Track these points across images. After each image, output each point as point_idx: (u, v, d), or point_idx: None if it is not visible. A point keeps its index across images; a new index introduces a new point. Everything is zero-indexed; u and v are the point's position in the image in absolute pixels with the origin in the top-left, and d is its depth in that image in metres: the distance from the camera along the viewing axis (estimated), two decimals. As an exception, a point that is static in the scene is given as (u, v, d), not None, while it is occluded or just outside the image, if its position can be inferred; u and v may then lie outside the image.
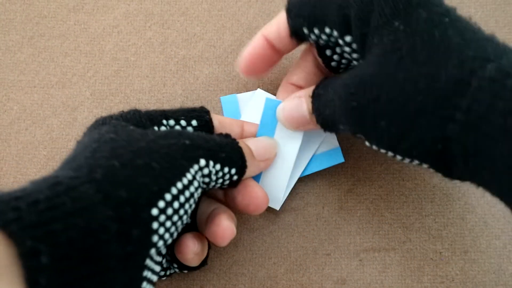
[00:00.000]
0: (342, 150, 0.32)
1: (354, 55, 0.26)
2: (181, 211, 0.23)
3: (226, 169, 0.26)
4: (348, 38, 0.25)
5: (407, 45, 0.22)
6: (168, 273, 0.28)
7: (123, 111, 0.27)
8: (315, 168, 0.32)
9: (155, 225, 0.21)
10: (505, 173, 0.19)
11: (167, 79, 0.35)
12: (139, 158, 0.22)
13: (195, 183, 0.24)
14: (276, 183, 0.31)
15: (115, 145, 0.22)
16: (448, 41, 0.21)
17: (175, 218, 0.22)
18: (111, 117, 0.26)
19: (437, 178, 0.32)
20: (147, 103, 0.34)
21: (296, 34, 0.27)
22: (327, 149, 0.32)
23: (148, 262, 0.21)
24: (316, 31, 0.26)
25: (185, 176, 0.23)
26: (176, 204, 0.22)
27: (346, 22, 0.24)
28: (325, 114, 0.26)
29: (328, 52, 0.28)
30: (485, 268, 0.31)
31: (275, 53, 0.29)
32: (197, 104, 0.34)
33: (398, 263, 0.31)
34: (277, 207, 0.31)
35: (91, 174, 0.20)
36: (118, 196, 0.20)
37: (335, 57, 0.28)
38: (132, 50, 0.35)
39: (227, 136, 0.27)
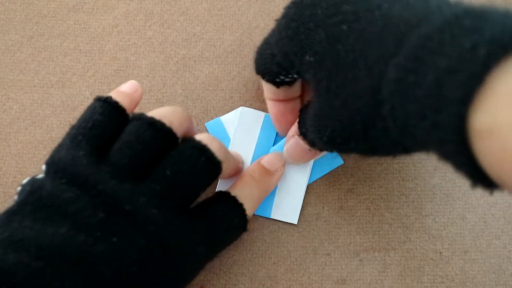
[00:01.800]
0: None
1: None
2: None
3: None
4: (290, 77, 0.27)
5: (322, 73, 0.22)
6: None
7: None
8: (318, 174, 0.32)
9: None
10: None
11: (167, 78, 0.34)
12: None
13: None
14: (291, 199, 0.32)
15: None
16: (351, 54, 0.21)
17: None
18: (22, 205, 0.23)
19: (437, 178, 0.32)
20: (147, 102, 0.34)
21: (273, 82, 0.29)
22: (325, 153, 0.32)
23: None
24: (268, 78, 0.29)
25: None
26: None
27: (281, 67, 0.26)
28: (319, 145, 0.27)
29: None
30: (485, 268, 0.31)
31: (289, 102, 0.30)
32: (197, 103, 0.34)
33: (398, 263, 0.31)
34: (295, 221, 0.31)
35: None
36: None
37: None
38: (132, 49, 0.35)
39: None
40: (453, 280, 0.31)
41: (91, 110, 0.26)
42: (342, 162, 0.32)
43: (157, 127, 0.25)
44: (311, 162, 0.32)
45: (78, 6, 0.36)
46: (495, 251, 0.31)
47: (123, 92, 0.28)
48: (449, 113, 0.16)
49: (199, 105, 0.34)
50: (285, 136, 0.31)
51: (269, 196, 0.31)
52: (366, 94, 0.20)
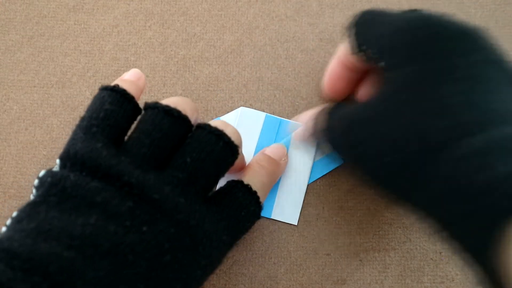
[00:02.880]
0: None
1: None
2: None
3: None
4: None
5: (409, 93, 0.22)
6: None
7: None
8: (318, 174, 0.32)
9: None
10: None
11: (167, 79, 0.35)
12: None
13: None
14: (292, 200, 0.32)
15: None
16: (446, 99, 0.21)
17: None
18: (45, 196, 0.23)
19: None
20: (147, 103, 0.34)
21: (359, 51, 0.28)
22: (325, 154, 0.32)
23: None
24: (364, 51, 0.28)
25: None
26: None
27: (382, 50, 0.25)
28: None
29: None
30: (485, 268, 0.31)
31: (352, 72, 0.30)
32: (197, 103, 0.34)
33: (398, 263, 0.31)
34: (295, 222, 0.32)
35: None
36: None
37: None
38: (132, 50, 0.35)
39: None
40: (453, 280, 0.31)
41: (99, 100, 0.26)
42: (343, 161, 0.32)
43: (174, 115, 0.25)
44: (311, 162, 0.32)
45: (78, 7, 0.36)
46: (495, 251, 0.31)
47: (128, 80, 0.28)
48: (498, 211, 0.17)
49: (199, 105, 0.34)
50: (330, 94, 0.32)
51: (269, 196, 0.31)
52: (442, 133, 0.20)
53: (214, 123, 0.26)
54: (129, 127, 0.26)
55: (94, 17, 0.36)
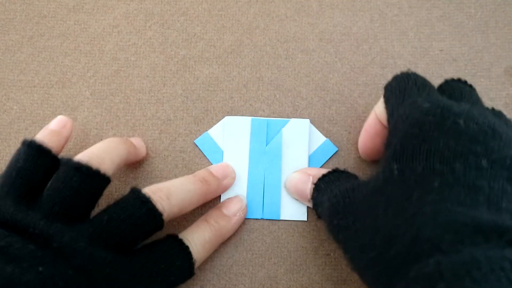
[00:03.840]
0: (342, 152, 0.32)
1: None
2: None
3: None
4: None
5: (387, 192, 0.22)
6: None
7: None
8: (316, 166, 0.33)
9: None
10: None
11: (167, 79, 0.35)
12: None
13: None
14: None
15: None
16: (419, 208, 0.20)
17: None
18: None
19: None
20: (147, 103, 0.34)
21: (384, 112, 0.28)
22: (318, 145, 0.33)
23: None
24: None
25: None
26: None
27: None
28: (318, 209, 0.29)
29: None
30: (485, 268, 0.31)
31: (384, 129, 0.29)
32: (197, 103, 0.34)
33: (398, 263, 0.31)
34: (305, 218, 0.32)
35: None
36: None
37: None
38: (132, 50, 0.35)
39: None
40: (453, 280, 0.31)
41: (16, 156, 0.27)
42: (336, 148, 0.33)
43: (83, 172, 0.26)
44: (307, 155, 0.32)
45: (78, 7, 0.36)
46: (495, 251, 0.31)
47: (51, 130, 0.29)
48: None
49: (199, 105, 0.34)
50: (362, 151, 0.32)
51: (274, 199, 0.32)
52: (395, 254, 0.20)
53: (146, 189, 0.27)
54: (47, 179, 0.27)
55: (94, 17, 0.36)
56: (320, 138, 0.33)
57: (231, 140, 0.33)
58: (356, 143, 0.33)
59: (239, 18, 0.36)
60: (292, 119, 0.33)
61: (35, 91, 0.34)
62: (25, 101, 0.34)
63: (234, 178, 0.32)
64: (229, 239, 0.31)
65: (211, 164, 0.33)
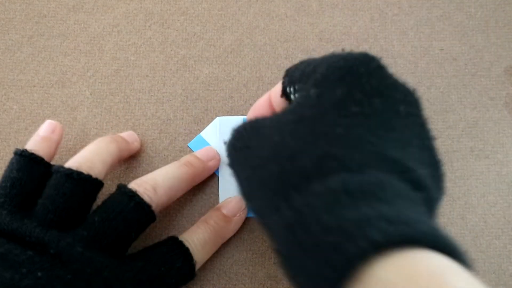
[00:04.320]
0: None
1: None
2: None
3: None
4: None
5: (299, 113, 0.21)
6: None
7: None
8: None
9: None
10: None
11: (167, 78, 0.34)
12: None
13: None
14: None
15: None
16: (331, 128, 0.20)
17: None
18: None
19: (437, 178, 0.32)
20: (147, 102, 0.34)
21: (285, 94, 0.27)
22: None
23: None
24: (292, 91, 0.26)
25: None
26: None
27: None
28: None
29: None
30: (485, 268, 0.31)
31: (272, 110, 0.29)
32: (197, 103, 0.34)
33: (398, 263, 0.31)
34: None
35: None
36: None
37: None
38: (132, 49, 0.35)
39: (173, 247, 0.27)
40: (453, 280, 0.31)
41: (9, 167, 0.28)
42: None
43: (74, 178, 0.26)
44: None
45: (78, 6, 0.36)
46: (495, 251, 0.31)
47: (42, 137, 0.30)
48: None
49: (199, 105, 0.34)
50: None
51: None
52: (293, 169, 0.20)
53: (132, 183, 0.27)
54: (41, 186, 0.27)
55: (94, 16, 0.36)
56: None
57: (224, 141, 0.32)
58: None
59: (239, 18, 0.36)
60: None
61: (35, 91, 0.34)
62: (25, 100, 0.34)
63: (219, 160, 0.32)
64: (229, 238, 0.31)
65: None
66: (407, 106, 0.21)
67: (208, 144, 0.33)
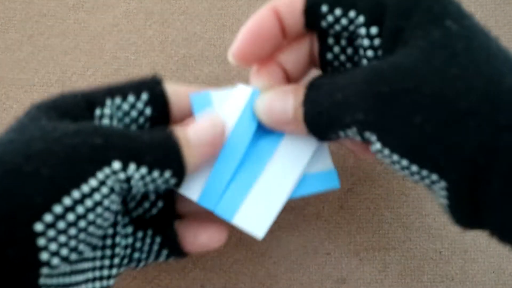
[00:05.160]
0: (342, 149, 0.32)
1: (369, 53, 0.22)
2: (82, 223, 0.20)
3: (156, 173, 0.22)
4: (374, 30, 0.21)
5: (463, 44, 0.19)
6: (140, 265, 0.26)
7: (62, 93, 0.24)
8: (305, 191, 0.26)
9: (41, 241, 0.19)
10: None
11: (167, 78, 0.34)
12: (28, 164, 0.19)
13: (104, 190, 0.20)
14: (265, 205, 0.25)
15: (8, 148, 0.20)
16: (506, 53, 0.20)
17: (73, 231, 0.19)
18: (39, 107, 0.22)
19: (437, 178, 0.32)
20: (147, 102, 0.34)
21: (310, 13, 0.22)
22: (319, 170, 0.26)
23: (44, 280, 0.19)
24: (337, 12, 0.22)
25: (86, 182, 0.20)
26: (71, 216, 0.19)
27: (379, 11, 0.21)
28: (323, 107, 0.21)
29: (330, 41, 0.24)
30: (484, 267, 0.31)
31: (281, 32, 0.24)
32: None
33: (398, 262, 0.31)
34: (260, 235, 0.25)
35: None
36: None
37: (336, 49, 0.24)
38: (132, 49, 0.35)
39: (164, 129, 0.23)
40: (452, 280, 0.31)
41: None
42: (338, 186, 0.26)
43: None
44: (301, 170, 0.25)
45: (78, 5, 0.36)
46: (495, 250, 0.31)
47: None
48: None
49: (199, 104, 0.34)
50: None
51: (237, 196, 0.25)
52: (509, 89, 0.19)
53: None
54: None
55: (94, 16, 0.36)
56: (325, 164, 0.26)
57: (230, 114, 0.25)
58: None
59: (239, 17, 0.36)
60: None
61: (34, 90, 0.34)
62: (25, 99, 0.34)
63: (220, 144, 0.25)
64: (229, 238, 0.31)
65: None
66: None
67: (212, 107, 0.26)
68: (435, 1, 0.20)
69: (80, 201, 0.19)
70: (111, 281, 0.23)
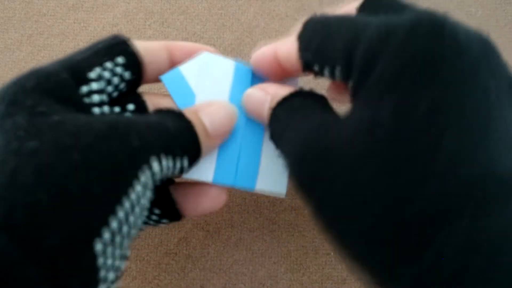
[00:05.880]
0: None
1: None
2: (132, 231, 0.19)
3: (178, 163, 0.21)
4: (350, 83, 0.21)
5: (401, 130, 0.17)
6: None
7: (37, 69, 0.20)
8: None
9: (100, 261, 0.18)
10: None
11: (167, 78, 0.34)
12: (73, 181, 0.17)
13: (148, 193, 0.20)
14: (277, 165, 0.26)
15: (41, 161, 0.17)
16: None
17: (125, 242, 0.19)
18: (23, 90, 0.19)
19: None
20: (147, 102, 0.34)
21: (307, 68, 0.23)
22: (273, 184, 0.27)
23: None
24: (326, 72, 0.22)
25: (133, 189, 0.19)
26: (125, 228, 0.18)
27: (350, 64, 0.20)
28: (277, 145, 0.23)
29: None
30: (485, 267, 0.31)
31: (282, 70, 0.25)
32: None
33: (398, 263, 0.31)
34: (284, 192, 0.26)
35: (8, 218, 0.15)
36: (46, 246, 0.16)
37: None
38: (132, 48, 0.35)
39: (180, 116, 0.23)
40: (453, 280, 0.31)
41: None
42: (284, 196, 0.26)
43: None
44: None
45: (78, 5, 0.36)
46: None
47: None
48: None
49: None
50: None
51: (251, 163, 0.26)
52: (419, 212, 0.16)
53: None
54: None
55: (94, 15, 0.36)
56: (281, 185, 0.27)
57: (207, 83, 0.26)
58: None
59: (239, 17, 0.36)
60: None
61: (34, 90, 0.34)
62: (25, 99, 0.34)
63: (229, 132, 0.26)
64: (229, 238, 0.31)
65: (177, 107, 0.25)
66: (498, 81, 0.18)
67: (186, 82, 0.26)
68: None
69: (131, 209, 0.19)
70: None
